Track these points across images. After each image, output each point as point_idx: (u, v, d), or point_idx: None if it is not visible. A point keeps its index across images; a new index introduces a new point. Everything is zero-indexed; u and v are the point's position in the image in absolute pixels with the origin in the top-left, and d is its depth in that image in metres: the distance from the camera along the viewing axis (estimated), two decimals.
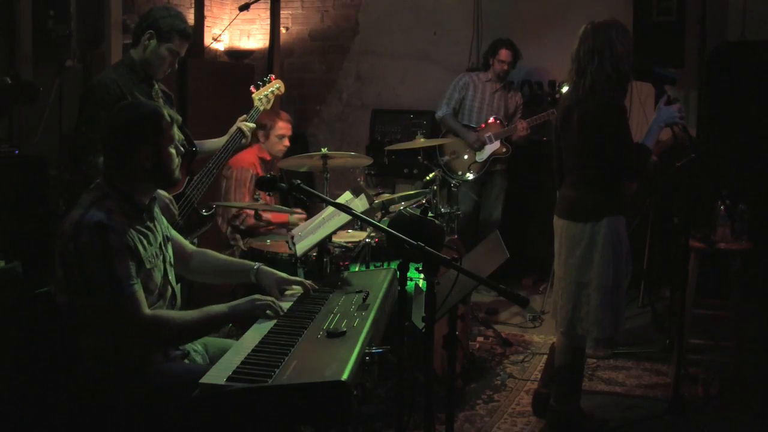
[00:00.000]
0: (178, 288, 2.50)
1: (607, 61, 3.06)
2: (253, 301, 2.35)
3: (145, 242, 2.26)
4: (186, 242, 2.69)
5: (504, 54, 5.49)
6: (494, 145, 5.46)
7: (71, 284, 2.14)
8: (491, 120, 5.53)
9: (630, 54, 3.11)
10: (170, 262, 2.45)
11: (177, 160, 2.36)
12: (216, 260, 2.67)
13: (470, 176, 5.47)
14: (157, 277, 2.31)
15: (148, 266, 2.24)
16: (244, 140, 3.55)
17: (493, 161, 5.53)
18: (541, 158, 5.88)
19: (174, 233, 2.61)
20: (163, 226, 2.46)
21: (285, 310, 2.39)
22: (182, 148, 2.41)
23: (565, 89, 3.92)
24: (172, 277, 2.44)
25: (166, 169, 2.31)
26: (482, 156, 5.48)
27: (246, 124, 3.53)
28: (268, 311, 2.34)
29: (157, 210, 2.46)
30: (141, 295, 2.17)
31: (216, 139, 3.54)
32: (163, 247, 2.41)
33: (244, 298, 2.39)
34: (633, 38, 3.17)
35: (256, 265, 2.63)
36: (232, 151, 3.51)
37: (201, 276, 2.69)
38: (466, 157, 5.50)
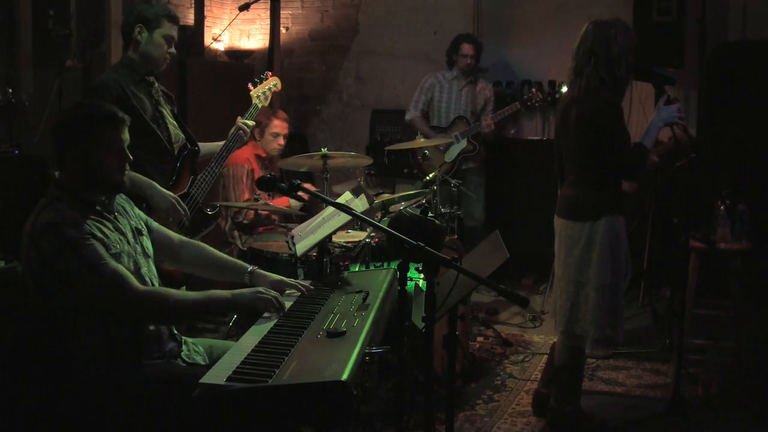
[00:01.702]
0: (179, 286, 2.48)
1: (602, 64, 3.06)
2: (257, 293, 2.34)
3: (104, 229, 2.24)
4: (172, 233, 2.66)
5: (466, 48, 5.53)
6: (461, 144, 5.46)
7: (47, 289, 2.14)
8: (457, 119, 5.58)
9: (628, 56, 3.09)
10: (146, 254, 2.43)
11: (120, 168, 2.29)
12: (211, 254, 2.65)
13: (433, 174, 5.44)
14: (128, 263, 2.28)
15: (113, 251, 2.22)
16: (245, 137, 3.55)
17: (465, 159, 5.52)
18: (526, 157, 5.92)
19: (156, 225, 2.59)
20: (133, 220, 2.44)
21: (286, 309, 2.38)
22: (130, 156, 2.33)
23: (564, 89, 3.92)
24: (148, 269, 2.40)
25: (98, 173, 2.25)
26: (450, 156, 5.46)
27: (245, 122, 3.53)
28: (270, 308, 2.33)
29: (124, 204, 2.44)
30: (123, 270, 2.17)
31: (214, 143, 3.54)
32: (135, 239, 2.38)
33: (249, 288, 2.39)
34: (636, 39, 3.16)
35: (251, 267, 2.61)
36: (233, 149, 3.50)
37: (194, 268, 2.67)
38: (435, 158, 5.49)
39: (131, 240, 2.36)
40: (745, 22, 5.46)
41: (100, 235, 2.20)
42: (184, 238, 2.68)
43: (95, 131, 2.25)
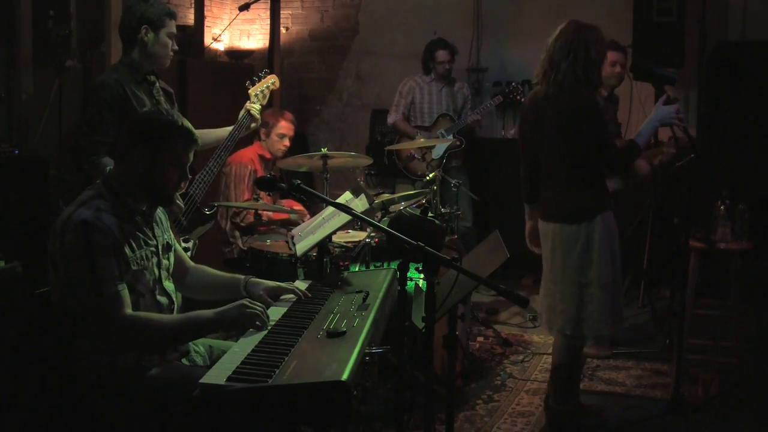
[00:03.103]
0: (178, 296, 2.47)
1: (579, 62, 3.06)
2: (242, 308, 2.27)
3: (133, 244, 2.23)
4: (187, 258, 2.66)
5: (441, 55, 5.64)
6: (447, 140, 5.49)
7: (59, 282, 2.14)
8: (440, 116, 5.66)
9: (599, 65, 3.13)
10: (168, 269, 2.42)
11: (177, 184, 2.31)
12: (210, 276, 2.63)
13: (433, 174, 5.44)
14: (148, 279, 2.28)
15: (134, 267, 2.21)
16: (253, 124, 3.52)
17: (449, 158, 5.55)
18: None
19: (179, 247, 2.58)
20: (166, 234, 2.44)
21: (269, 324, 2.29)
22: (189, 175, 2.35)
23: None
24: (167, 284, 2.40)
25: (157, 183, 2.26)
26: (438, 152, 5.47)
27: (254, 107, 3.50)
28: (256, 322, 2.26)
29: (161, 217, 2.44)
30: (124, 295, 2.14)
31: (221, 129, 3.50)
32: (161, 254, 2.37)
33: (233, 303, 2.31)
34: (606, 52, 3.26)
35: (244, 278, 2.58)
36: (237, 139, 3.46)
37: (195, 292, 2.65)
38: (423, 157, 5.50)
39: (161, 253, 2.36)
40: (745, 22, 5.46)
41: (127, 250, 2.19)
42: (193, 264, 2.66)
43: (171, 139, 2.25)
